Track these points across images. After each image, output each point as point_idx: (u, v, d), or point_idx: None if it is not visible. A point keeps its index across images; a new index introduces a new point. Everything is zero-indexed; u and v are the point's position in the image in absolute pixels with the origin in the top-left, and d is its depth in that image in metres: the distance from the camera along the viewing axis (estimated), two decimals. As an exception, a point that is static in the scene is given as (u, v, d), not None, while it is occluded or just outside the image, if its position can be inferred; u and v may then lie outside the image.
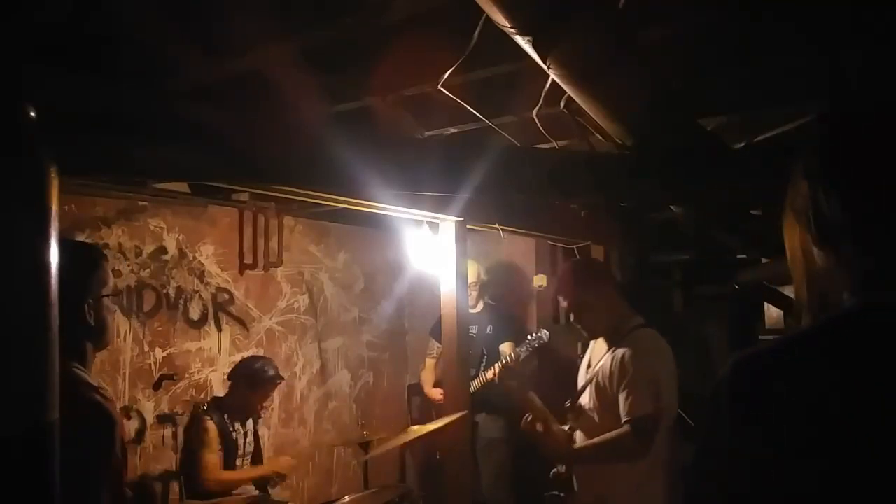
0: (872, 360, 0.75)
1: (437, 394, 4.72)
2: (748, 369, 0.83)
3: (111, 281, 1.85)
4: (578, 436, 2.64)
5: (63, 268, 1.52)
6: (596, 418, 2.56)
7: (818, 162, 0.86)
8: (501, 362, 4.42)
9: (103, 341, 1.79)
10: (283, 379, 3.91)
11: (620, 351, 2.52)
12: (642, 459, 2.41)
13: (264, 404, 3.79)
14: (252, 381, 3.69)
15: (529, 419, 2.63)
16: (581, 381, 2.73)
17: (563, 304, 2.74)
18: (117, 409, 1.70)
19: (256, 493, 3.62)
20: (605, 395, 2.53)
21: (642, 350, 2.49)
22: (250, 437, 3.76)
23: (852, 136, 0.85)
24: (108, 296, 1.79)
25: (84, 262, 1.78)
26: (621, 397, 2.45)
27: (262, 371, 3.72)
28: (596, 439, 2.53)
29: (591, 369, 2.66)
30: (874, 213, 0.81)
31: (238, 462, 3.65)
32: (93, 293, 1.74)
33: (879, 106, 0.86)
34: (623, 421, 2.43)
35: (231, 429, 3.61)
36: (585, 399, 2.63)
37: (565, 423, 2.70)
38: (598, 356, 2.65)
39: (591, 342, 2.74)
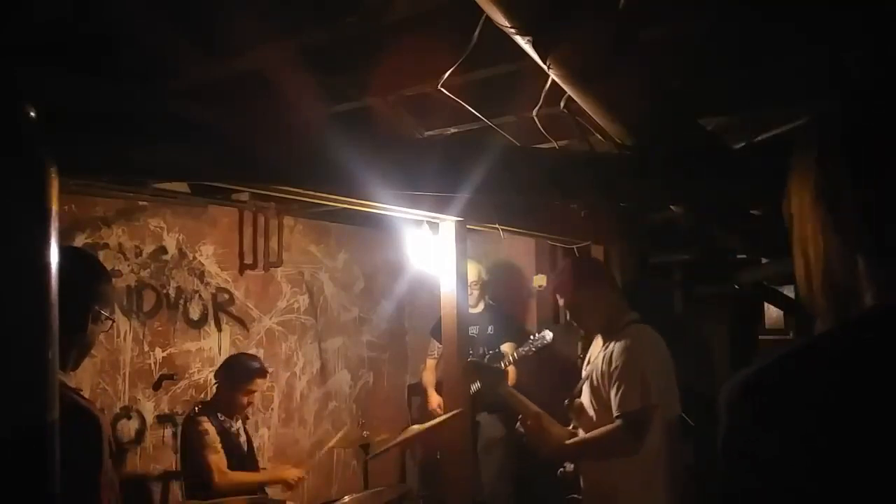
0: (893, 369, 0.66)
1: (436, 402, 4.72)
2: (760, 387, 0.72)
3: (112, 303, 1.87)
4: (581, 434, 2.65)
5: (72, 272, 1.56)
6: (593, 415, 2.57)
7: (848, 148, 0.75)
8: (503, 364, 4.43)
9: (86, 355, 1.78)
10: (267, 372, 3.83)
11: (611, 347, 2.53)
12: (634, 454, 2.41)
13: (251, 400, 3.70)
14: (234, 377, 3.64)
15: (521, 418, 2.65)
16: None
17: (560, 302, 2.76)
18: (100, 412, 1.69)
19: (255, 493, 3.61)
20: (599, 392, 2.54)
21: (630, 345, 2.49)
22: (243, 437, 3.74)
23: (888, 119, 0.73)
24: (106, 316, 1.80)
25: (94, 271, 1.81)
26: (612, 393, 2.46)
27: (244, 365, 3.70)
28: (587, 435, 2.55)
29: (587, 367, 2.68)
30: None
31: (242, 462, 3.65)
32: (98, 302, 1.75)
33: None
34: (614, 416, 2.43)
35: (229, 427, 3.61)
36: (584, 397, 2.65)
37: (569, 423, 2.71)
38: (594, 354, 2.66)
39: (594, 340, 2.75)
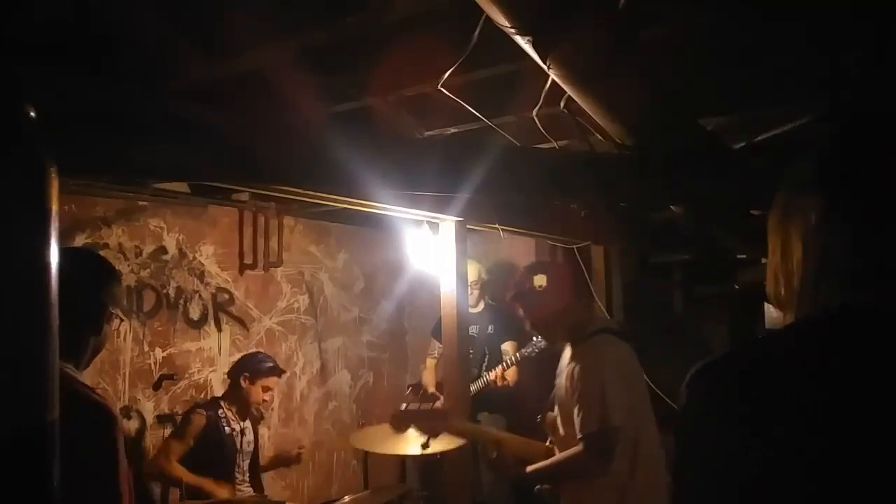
0: (849, 363, 0.75)
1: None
2: (718, 377, 0.82)
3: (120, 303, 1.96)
4: (556, 451, 2.55)
5: (89, 276, 1.64)
6: (562, 432, 2.48)
7: (827, 173, 0.85)
8: (504, 364, 4.44)
9: (97, 354, 1.83)
10: (283, 371, 3.91)
11: (573, 364, 2.44)
12: (601, 476, 2.33)
13: (265, 398, 3.75)
14: (250, 374, 3.69)
15: (481, 449, 2.53)
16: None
17: (520, 314, 2.64)
18: (114, 405, 1.74)
19: (255, 493, 3.62)
20: (565, 408, 2.45)
21: (590, 363, 2.40)
22: (250, 437, 3.75)
23: (863, 148, 0.83)
24: (116, 315, 1.86)
25: (109, 273, 1.87)
26: (574, 413, 2.37)
27: (261, 363, 3.75)
28: (551, 459, 2.47)
29: (557, 379, 2.58)
30: (879, 227, 0.79)
31: (238, 461, 3.65)
32: (112, 303, 1.81)
33: (886, 116, 0.85)
34: (577, 438, 2.34)
35: (225, 424, 3.61)
36: (556, 411, 2.56)
37: (546, 438, 2.62)
38: (563, 365, 2.56)
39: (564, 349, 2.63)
